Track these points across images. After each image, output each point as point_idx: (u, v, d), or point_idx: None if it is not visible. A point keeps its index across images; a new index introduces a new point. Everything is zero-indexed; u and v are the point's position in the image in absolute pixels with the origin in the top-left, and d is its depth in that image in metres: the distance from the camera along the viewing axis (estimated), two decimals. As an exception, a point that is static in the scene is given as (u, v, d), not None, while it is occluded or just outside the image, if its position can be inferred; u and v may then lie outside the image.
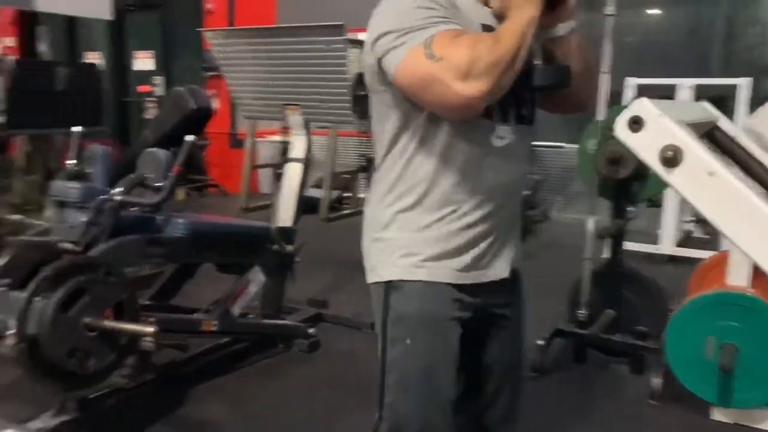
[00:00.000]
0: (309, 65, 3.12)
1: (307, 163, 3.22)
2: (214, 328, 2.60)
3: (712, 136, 1.05)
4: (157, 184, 2.36)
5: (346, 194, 5.40)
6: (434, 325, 1.37)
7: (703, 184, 0.70)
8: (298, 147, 3.17)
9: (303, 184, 3.20)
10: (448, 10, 1.25)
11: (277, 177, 3.23)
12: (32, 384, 2.17)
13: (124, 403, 2.54)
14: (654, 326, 2.89)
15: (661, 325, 2.76)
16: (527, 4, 1.23)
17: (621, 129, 0.74)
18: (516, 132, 1.36)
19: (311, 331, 3.07)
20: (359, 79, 2.84)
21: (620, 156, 2.70)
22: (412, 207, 1.35)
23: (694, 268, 3.05)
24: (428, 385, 1.37)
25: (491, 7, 1.30)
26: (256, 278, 2.79)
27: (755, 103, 4.13)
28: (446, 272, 1.35)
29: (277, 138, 4.86)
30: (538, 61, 1.32)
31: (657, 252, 4.74)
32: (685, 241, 5.06)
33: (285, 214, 3.04)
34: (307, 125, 3.24)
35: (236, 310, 2.72)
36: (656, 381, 2.73)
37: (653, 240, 4.81)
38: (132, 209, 2.40)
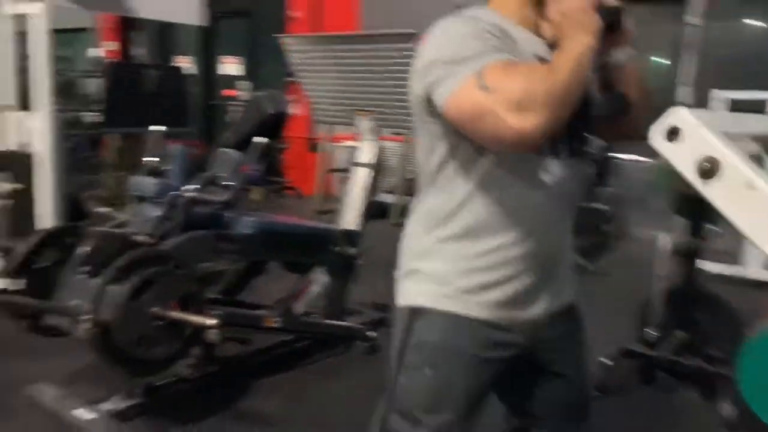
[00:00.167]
0: (381, 72, 3.17)
1: (376, 168, 3.26)
2: (275, 325, 2.67)
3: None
4: (227, 183, 2.46)
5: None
6: (459, 360, 1.30)
7: (740, 197, 0.67)
8: (366, 152, 3.22)
9: (371, 189, 3.24)
10: (502, 40, 1.20)
11: (344, 181, 3.28)
12: (103, 367, 2.30)
13: (187, 392, 2.64)
14: (728, 351, 2.74)
15: (735, 350, 2.61)
16: (582, 32, 1.17)
17: (657, 138, 0.72)
18: (568, 166, 1.30)
19: (372, 334, 3.10)
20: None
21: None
22: (450, 239, 1.30)
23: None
24: (441, 421, 1.30)
25: (545, 37, 1.26)
26: (319, 278, 2.84)
27: None
28: (480, 308, 1.30)
29: (352, 143, 4.93)
30: (593, 90, 1.27)
31: (741, 275, 4.49)
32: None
33: (350, 218, 3.09)
34: (376, 131, 3.28)
35: (298, 308, 2.78)
36: (728, 409, 2.59)
37: (738, 261, 4.56)
38: (203, 206, 2.50)
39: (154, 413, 2.48)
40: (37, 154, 3.43)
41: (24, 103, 3.59)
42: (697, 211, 2.89)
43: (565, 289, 1.41)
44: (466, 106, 1.15)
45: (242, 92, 8.93)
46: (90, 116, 6.70)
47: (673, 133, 0.71)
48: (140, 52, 9.44)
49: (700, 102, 3.49)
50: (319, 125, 6.09)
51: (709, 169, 0.68)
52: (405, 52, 3.05)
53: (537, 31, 1.28)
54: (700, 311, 2.92)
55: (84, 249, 2.34)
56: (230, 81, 9.24)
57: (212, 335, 2.41)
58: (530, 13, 1.28)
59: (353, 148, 4.15)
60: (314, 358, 3.02)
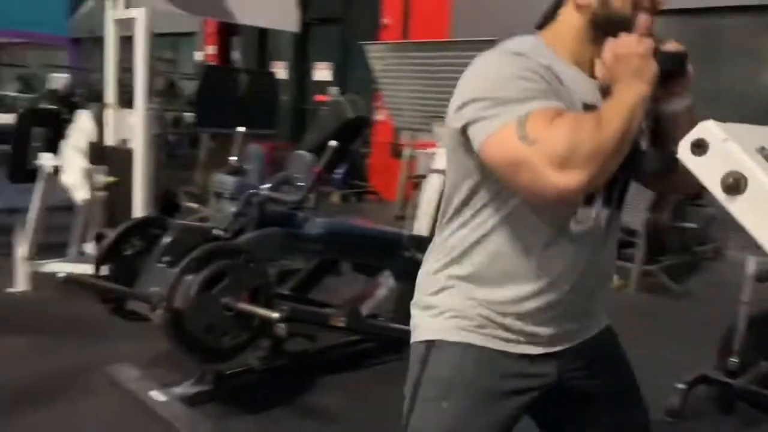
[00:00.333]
0: (459, 79, 3.18)
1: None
2: (341, 324, 2.73)
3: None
4: (299, 184, 2.55)
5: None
6: (478, 393, 1.24)
7: (766, 214, 0.65)
8: (440, 159, 3.23)
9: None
10: (550, 84, 1.12)
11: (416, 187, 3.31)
12: (177, 353, 2.43)
13: (254, 383, 2.74)
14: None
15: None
16: (637, 79, 1.09)
17: (684, 151, 0.70)
18: (600, 216, 1.22)
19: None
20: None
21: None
22: (467, 278, 1.24)
23: None
24: None
25: (598, 78, 1.18)
26: (387, 282, 2.88)
27: None
28: (497, 341, 1.24)
29: (433, 150, 4.95)
30: (642, 140, 1.18)
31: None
32: None
33: (421, 224, 3.12)
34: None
35: (365, 309, 2.83)
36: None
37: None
38: (276, 205, 2.60)
39: (222, 400, 2.59)
40: (134, 150, 3.66)
41: (127, 102, 3.85)
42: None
43: (594, 325, 1.35)
44: (504, 154, 1.07)
45: (331, 98, 9.17)
46: (190, 116, 7.07)
47: (699, 147, 0.69)
48: (238, 56, 9.86)
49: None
50: (403, 131, 6.16)
51: (734, 185, 0.66)
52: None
53: (591, 71, 1.19)
54: (786, 341, 2.75)
55: (166, 240, 2.49)
56: (322, 86, 9.50)
57: (279, 329, 2.51)
58: (585, 50, 1.20)
59: (433, 154, 4.18)
60: (378, 360, 3.06)
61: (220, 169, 3.06)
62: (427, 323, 1.29)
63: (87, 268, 2.48)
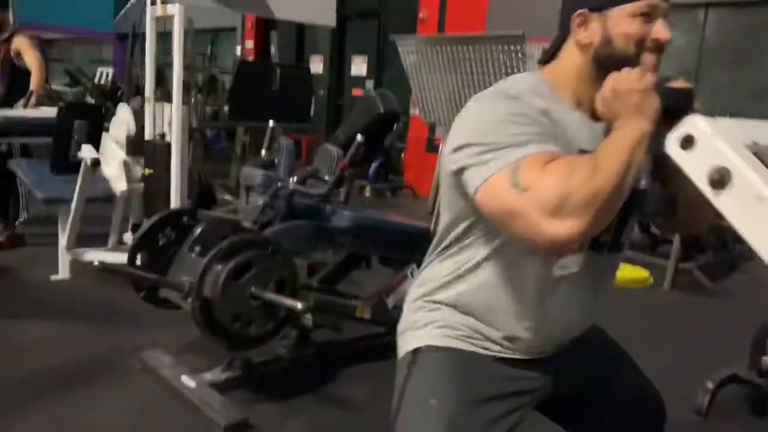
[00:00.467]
0: (489, 73, 3.18)
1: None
2: (366, 316, 2.76)
3: None
4: (325, 178, 2.59)
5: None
6: (465, 394, 1.22)
7: (750, 209, 0.66)
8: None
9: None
10: (546, 126, 1.09)
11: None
12: (205, 340, 2.51)
13: (282, 371, 2.81)
14: None
15: None
16: (638, 115, 1.03)
17: (672, 146, 0.71)
18: (587, 261, 1.19)
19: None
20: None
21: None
22: (453, 305, 1.25)
23: None
24: None
25: (600, 117, 1.13)
26: (411, 275, 2.90)
27: None
28: (484, 350, 1.25)
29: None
30: (645, 180, 1.12)
31: None
32: None
33: (448, 218, 3.12)
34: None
35: (390, 302, 2.86)
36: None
37: None
38: (303, 198, 2.65)
39: (250, 387, 2.66)
40: (171, 143, 3.75)
41: (167, 97, 3.95)
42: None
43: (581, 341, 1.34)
44: (497, 202, 1.04)
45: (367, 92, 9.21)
46: (227, 111, 7.20)
47: (687, 141, 0.70)
48: (275, 51, 9.98)
49: None
50: (438, 126, 6.16)
51: (719, 180, 0.67)
52: (513, 54, 3.04)
53: (594, 112, 1.15)
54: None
55: (197, 231, 2.57)
56: (359, 81, 9.54)
57: (305, 319, 2.57)
58: (588, 89, 1.17)
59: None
60: (404, 352, 3.09)
61: (251, 163, 3.12)
62: (412, 335, 1.30)
63: (124, 257, 2.57)
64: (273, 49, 7.73)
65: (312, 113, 6.16)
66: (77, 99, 9.60)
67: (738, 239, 4.40)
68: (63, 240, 3.87)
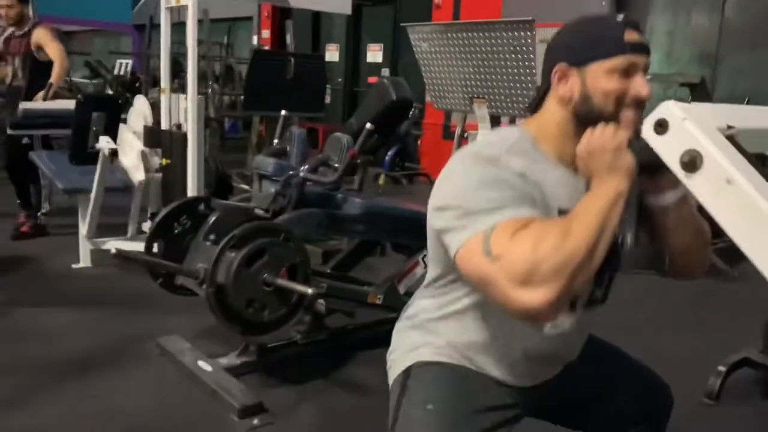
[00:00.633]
0: (499, 59, 3.18)
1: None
2: (378, 302, 2.81)
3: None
4: (335, 165, 2.62)
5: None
6: (460, 403, 1.23)
7: (720, 191, 0.68)
8: (479, 140, 3.25)
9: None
10: (522, 189, 1.08)
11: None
12: (221, 326, 2.57)
13: (296, 356, 2.87)
14: None
15: None
16: (612, 174, 1.02)
17: (647, 131, 0.74)
18: (580, 316, 1.21)
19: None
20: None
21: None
22: (440, 336, 1.28)
23: None
24: None
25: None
26: (423, 261, 2.93)
27: None
28: (473, 367, 1.27)
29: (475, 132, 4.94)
30: (628, 234, 1.11)
31: None
32: None
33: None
34: (493, 119, 3.30)
35: (402, 288, 2.90)
36: None
37: None
38: (313, 186, 2.69)
39: (264, 371, 2.72)
40: (187, 133, 3.81)
41: (183, 87, 4.00)
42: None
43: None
44: (472, 269, 1.05)
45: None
46: (243, 100, 7.25)
47: (660, 126, 0.72)
48: (290, 40, 10.01)
49: None
50: (454, 113, 6.16)
51: (691, 163, 0.69)
52: (523, 40, 3.04)
53: (576, 164, 1.13)
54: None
55: (211, 219, 2.62)
56: (375, 68, 9.54)
57: (318, 305, 2.61)
58: (570, 143, 1.15)
59: (475, 136, 4.18)
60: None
61: (264, 152, 3.17)
62: (402, 358, 1.32)
63: (143, 246, 2.64)
64: (289, 39, 7.75)
65: (327, 101, 6.18)
66: (97, 91, 9.73)
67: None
68: (83, 230, 3.97)
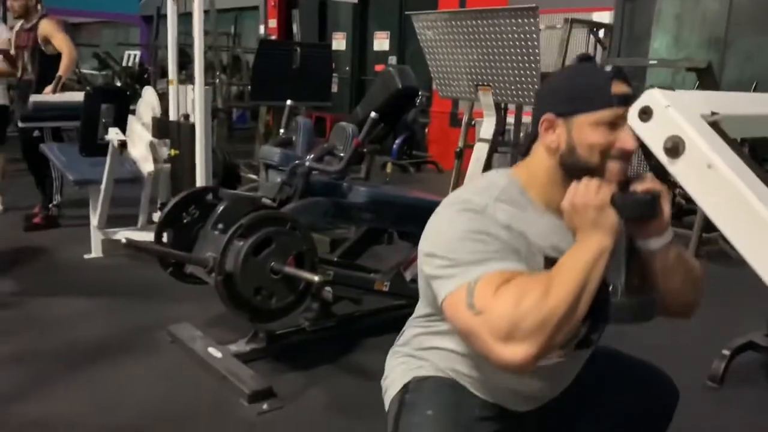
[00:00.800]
0: (502, 47, 3.19)
1: (495, 144, 3.30)
2: (384, 289, 2.84)
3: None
4: (341, 155, 2.65)
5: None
6: (458, 413, 1.24)
7: (702, 176, 0.70)
8: (486, 128, 3.27)
9: (488, 164, 3.29)
10: (507, 241, 1.10)
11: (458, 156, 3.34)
12: (230, 313, 2.61)
13: (304, 342, 2.91)
14: None
15: None
16: (596, 230, 1.04)
17: (632, 119, 0.76)
18: (569, 356, 1.22)
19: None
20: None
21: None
22: (433, 363, 1.30)
23: None
24: None
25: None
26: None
27: None
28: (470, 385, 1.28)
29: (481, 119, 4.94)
30: (617, 281, 1.10)
31: None
32: None
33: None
34: (498, 107, 3.31)
35: (408, 275, 2.93)
36: None
37: None
38: (319, 175, 2.72)
39: (273, 357, 2.77)
40: (195, 124, 3.84)
41: (191, 78, 4.03)
42: None
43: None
44: (455, 320, 1.08)
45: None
46: (250, 90, 7.27)
47: (645, 113, 0.74)
48: (297, 29, 10.00)
49: None
50: (461, 101, 6.15)
51: (674, 148, 0.72)
52: (526, 27, 3.05)
53: (562, 212, 1.14)
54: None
55: (219, 208, 2.66)
56: (381, 56, 9.53)
57: (326, 293, 2.65)
58: (558, 191, 1.16)
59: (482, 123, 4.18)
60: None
61: (271, 141, 3.20)
62: (399, 379, 1.33)
63: (153, 236, 2.68)
64: (295, 28, 7.76)
65: (334, 90, 6.18)
66: (106, 82, 9.78)
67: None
68: (94, 220, 4.02)
